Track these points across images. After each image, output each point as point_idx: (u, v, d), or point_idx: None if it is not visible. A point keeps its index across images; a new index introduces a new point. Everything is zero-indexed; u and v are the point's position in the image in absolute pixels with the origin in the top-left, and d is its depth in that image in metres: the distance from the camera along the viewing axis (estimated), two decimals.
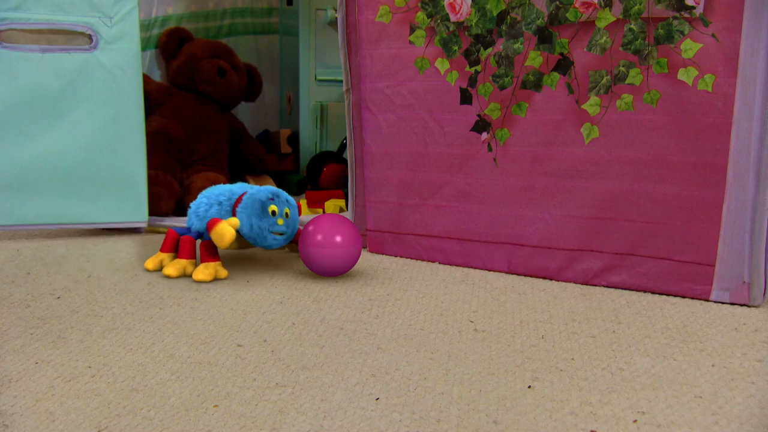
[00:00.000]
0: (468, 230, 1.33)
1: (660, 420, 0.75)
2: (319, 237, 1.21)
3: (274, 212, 1.23)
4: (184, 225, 1.61)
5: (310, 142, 2.19)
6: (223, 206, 1.28)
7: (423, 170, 1.36)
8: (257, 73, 2.15)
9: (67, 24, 1.47)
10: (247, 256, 1.41)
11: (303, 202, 1.84)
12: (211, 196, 1.31)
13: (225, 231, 1.19)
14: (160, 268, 1.28)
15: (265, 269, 1.31)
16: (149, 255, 1.40)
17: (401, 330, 1.01)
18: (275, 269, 1.32)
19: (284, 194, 1.27)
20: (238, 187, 1.32)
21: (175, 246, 1.30)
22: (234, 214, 1.25)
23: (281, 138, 2.20)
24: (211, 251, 1.25)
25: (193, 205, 1.33)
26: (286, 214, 1.25)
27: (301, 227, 1.28)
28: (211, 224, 1.22)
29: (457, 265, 1.35)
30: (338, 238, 1.21)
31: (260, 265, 1.34)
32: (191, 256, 1.27)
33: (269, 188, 1.26)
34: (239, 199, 1.26)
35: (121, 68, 1.50)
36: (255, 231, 1.22)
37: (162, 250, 1.30)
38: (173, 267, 1.25)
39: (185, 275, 1.25)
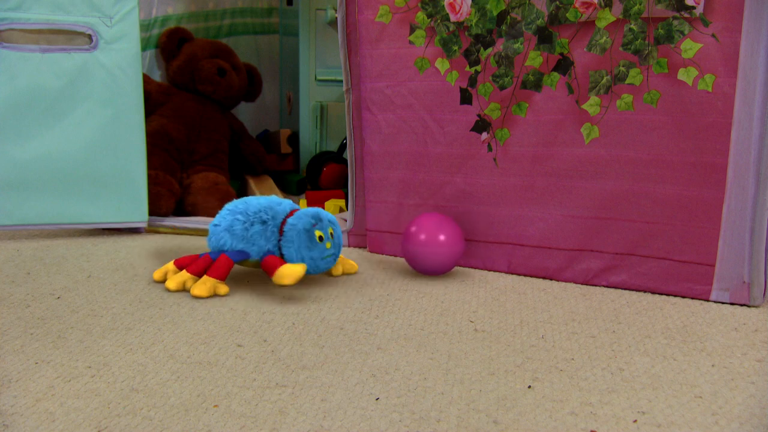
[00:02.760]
0: (468, 230, 1.33)
1: (660, 420, 0.76)
2: (423, 236, 1.23)
3: (321, 238, 1.17)
4: (186, 225, 1.61)
5: (310, 142, 2.19)
6: (267, 227, 1.18)
7: (423, 170, 1.36)
8: (257, 73, 2.15)
9: (67, 24, 1.47)
10: None
11: (303, 202, 1.84)
12: (249, 212, 1.19)
13: (294, 274, 1.11)
14: (181, 288, 1.18)
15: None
16: (149, 255, 1.40)
17: (401, 330, 1.01)
18: None
19: (324, 214, 1.20)
20: (277, 204, 1.21)
21: (202, 269, 1.19)
22: (281, 237, 1.17)
23: (281, 138, 2.20)
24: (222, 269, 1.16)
25: (220, 221, 1.20)
26: (331, 234, 1.20)
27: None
28: (271, 265, 1.13)
29: (457, 265, 1.35)
30: (442, 237, 1.23)
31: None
32: (199, 273, 1.18)
33: (309, 213, 1.18)
34: (284, 223, 1.18)
35: (121, 68, 1.50)
36: (307, 262, 1.16)
37: (185, 269, 1.20)
38: (173, 280, 1.17)
39: (185, 289, 1.17)
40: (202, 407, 0.77)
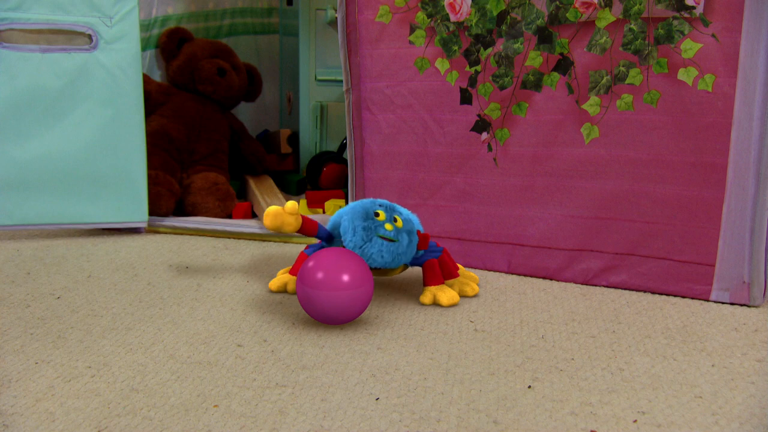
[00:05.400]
0: (468, 230, 1.33)
1: (660, 420, 0.76)
2: (320, 275, 0.98)
3: (378, 214, 1.09)
4: (186, 225, 1.61)
5: (310, 142, 2.19)
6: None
7: (423, 170, 1.36)
8: (257, 73, 2.15)
9: (67, 24, 1.47)
10: (245, 256, 1.41)
11: (303, 202, 1.84)
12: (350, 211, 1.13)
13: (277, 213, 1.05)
14: (283, 290, 1.18)
15: (265, 269, 1.31)
16: (149, 255, 1.40)
17: (401, 330, 1.01)
18: (275, 269, 1.31)
19: (398, 207, 1.13)
20: (375, 205, 1.13)
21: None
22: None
23: (281, 138, 2.20)
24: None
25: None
26: (395, 220, 1.09)
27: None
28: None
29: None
30: (345, 278, 0.98)
31: (260, 265, 1.34)
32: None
33: (379, 200, 1.13)
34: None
35: (121, 68, 1.50)
36: (359, 234, 1.06)
37: (291, 272, 1.18)
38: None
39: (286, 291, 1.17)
40: (202, 407, 0.77)
